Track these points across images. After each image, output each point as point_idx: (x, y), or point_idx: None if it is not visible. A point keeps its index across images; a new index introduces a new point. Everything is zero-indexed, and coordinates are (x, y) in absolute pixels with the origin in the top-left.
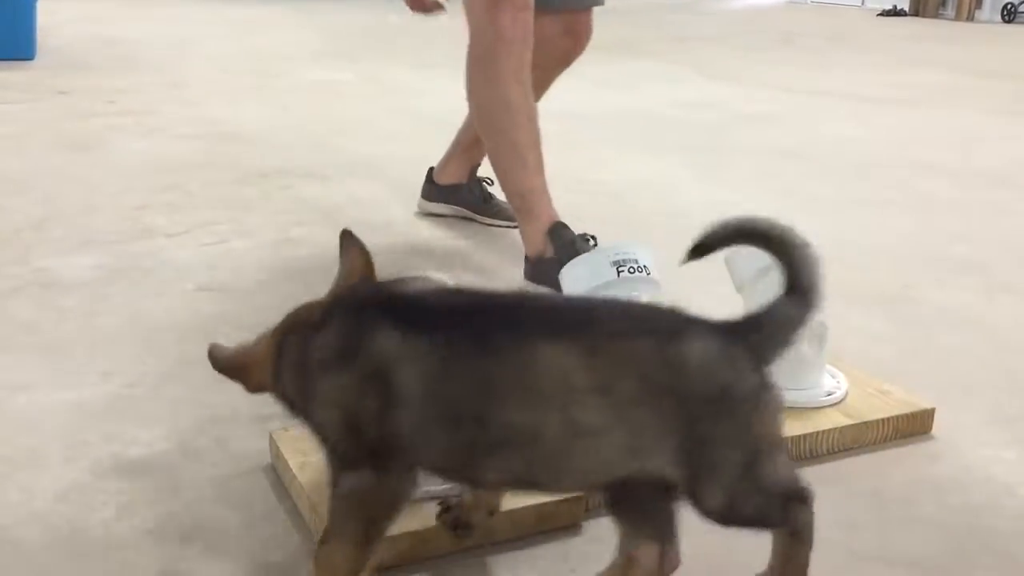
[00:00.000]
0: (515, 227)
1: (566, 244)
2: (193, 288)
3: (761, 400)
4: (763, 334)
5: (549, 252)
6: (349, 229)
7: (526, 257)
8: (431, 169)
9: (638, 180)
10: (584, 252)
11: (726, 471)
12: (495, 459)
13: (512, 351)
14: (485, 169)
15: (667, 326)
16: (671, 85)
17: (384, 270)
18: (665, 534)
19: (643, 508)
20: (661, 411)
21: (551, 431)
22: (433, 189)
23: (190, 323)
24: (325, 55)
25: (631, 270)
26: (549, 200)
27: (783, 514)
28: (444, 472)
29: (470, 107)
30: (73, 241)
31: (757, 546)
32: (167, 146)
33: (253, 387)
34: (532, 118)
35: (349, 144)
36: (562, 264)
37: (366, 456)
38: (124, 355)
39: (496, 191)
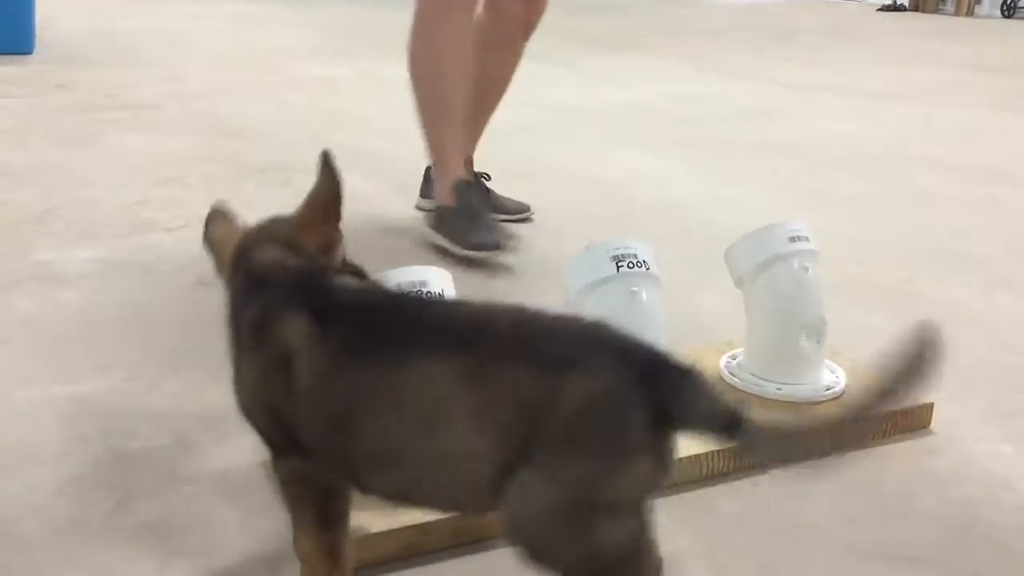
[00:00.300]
0: (512, 221)
1: (466, 202)
2: (193, 282)
3: (617, 464)
4: (682, 400)
5: (451, 204)
6: (330, 152)
7: (433, 208)
8: (428, 168)
9: (636, 175)
10: (481, 213)
11: (541, 498)
12: (374, 469)
13: (387, 360)
14: (484, 165)
15: (559, 355)
16: (669, 80)
17: (383, 266)
18: None
19: None
20: (525, 444)
21: (413, 448)
22: (431, 187)
23: (189, 317)
24: (323, 51)
25: (631, 265)
26: (460, 158)
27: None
28: (338, 476)
29: (408, 65)
30: (73, 235)
31: (751, 544)
32: (166, 140)
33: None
34: (464, 83)
35: (348, 139)
36: (460, 218)
37: (287, 441)
38: (123, 349)
39: (494, 185)
